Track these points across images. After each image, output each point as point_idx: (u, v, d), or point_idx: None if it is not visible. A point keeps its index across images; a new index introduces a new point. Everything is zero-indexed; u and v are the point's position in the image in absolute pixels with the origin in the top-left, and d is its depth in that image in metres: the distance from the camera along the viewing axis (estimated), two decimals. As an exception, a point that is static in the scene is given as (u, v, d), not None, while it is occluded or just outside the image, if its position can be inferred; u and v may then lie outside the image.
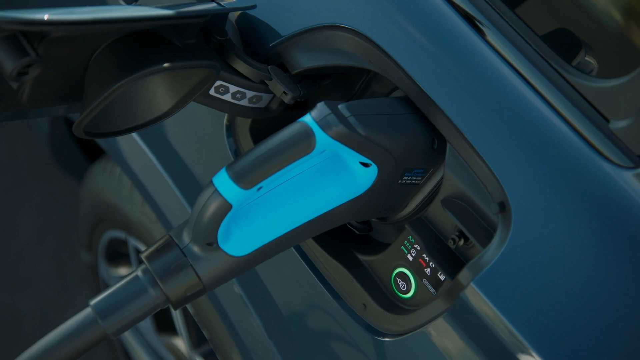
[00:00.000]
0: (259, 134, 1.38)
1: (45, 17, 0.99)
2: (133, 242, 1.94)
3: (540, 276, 1.07)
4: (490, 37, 1.15)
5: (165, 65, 1.11)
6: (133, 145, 1.69)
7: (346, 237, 1.34)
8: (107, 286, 2.20)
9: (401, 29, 1.19)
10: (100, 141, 1.87)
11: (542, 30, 1.14)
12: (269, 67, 1.26)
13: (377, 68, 1.21)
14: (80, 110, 1.14)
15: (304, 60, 1.27)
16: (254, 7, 1.26)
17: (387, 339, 1.24)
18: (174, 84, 1.20)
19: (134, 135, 1.67)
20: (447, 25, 1.17)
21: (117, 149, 1.78)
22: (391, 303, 1.26)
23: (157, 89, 1.19)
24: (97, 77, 1.12)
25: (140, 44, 1.14)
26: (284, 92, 1.26)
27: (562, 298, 1.06)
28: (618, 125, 1.06)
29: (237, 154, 1.40)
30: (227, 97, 1.27)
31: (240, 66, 1.24)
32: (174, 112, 1.22)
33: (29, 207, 2.84)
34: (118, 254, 2.14)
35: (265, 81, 1.27)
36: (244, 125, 1.38)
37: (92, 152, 2.39)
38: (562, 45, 1.13)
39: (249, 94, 1.27)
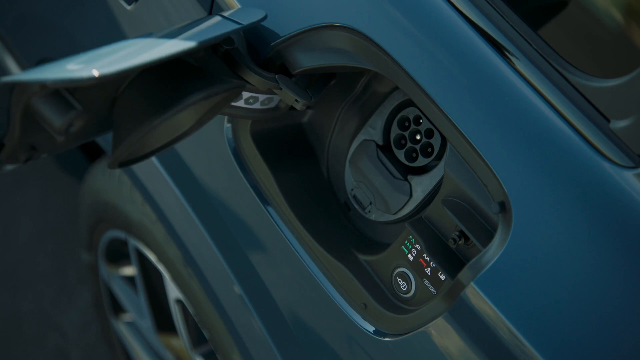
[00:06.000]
0: (259, 133, 1.39)
1: (96, 73, 0.98)
2: (133, 242, 1.93)
3: (540, 276, 1.07)
4: (491, 36, 1.15)
5: (201, 95, 1.12)
6: (133, 145, 1.69)
7: (347, 237, 1.34)
8: (107, 286, 2.20)
9: (402, 29, 1.19)
10: (100, 141, 1.87)
11: (542, 29, 1.14)
12: (276, 76, 1.27)
13: (378, 68, 1.21)
14: (113, 146, 1.13)
15: (305, 60, 1.27)
16: (265, 18, 1.26)
17: (387, 339, 1.24)
18: (197, 104, 1.20)
19: (134, 135, 1.67)
20: (448, 24, 1.17)
21: (117, 149, 1.77)
22: (392, 303, 1.26)
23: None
24: (130, 113, 1.12)
25: (166, 73, 1.13)
26: (296, 100, 1.27)
27: (563, 297, 1.06)
28: (618, 124, 1.06)
29: (237, 153, 1.40)
30: (241, 104, 1.28)
31: (249, 76, 1.25)
32: (196, 129, 1.22)
33: (29, 207, 2.84)
34: (118, 254, 2.14)
35: (275, 90, 1.28)
36: (244, 125, 1.38)
37: (92, 152, 2.39)
38: (562, 45, 1.13)
39: (261, 97, 1.29)
